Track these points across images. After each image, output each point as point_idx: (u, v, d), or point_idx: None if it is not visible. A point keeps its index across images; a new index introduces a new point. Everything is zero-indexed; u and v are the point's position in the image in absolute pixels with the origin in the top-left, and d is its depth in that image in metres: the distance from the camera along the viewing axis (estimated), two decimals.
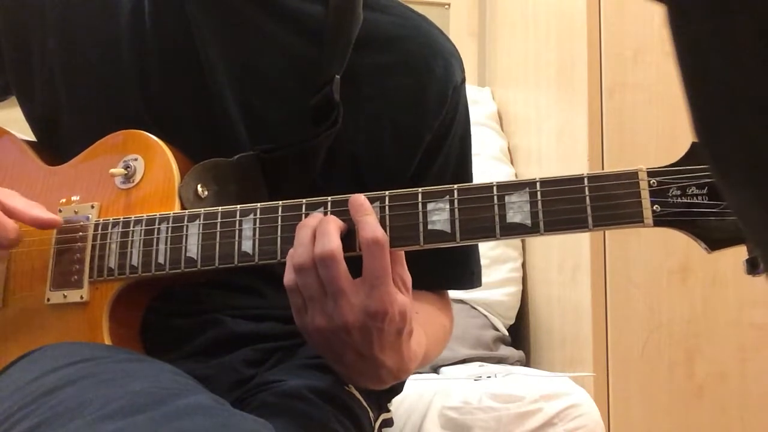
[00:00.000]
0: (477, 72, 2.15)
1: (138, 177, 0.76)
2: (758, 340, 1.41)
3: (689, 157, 0.62)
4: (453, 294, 1.67)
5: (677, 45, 0.28)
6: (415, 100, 0.81)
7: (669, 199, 0.61)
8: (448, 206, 0.64)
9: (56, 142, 0.85)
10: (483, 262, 1.65)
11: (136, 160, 0.77)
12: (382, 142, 0.80)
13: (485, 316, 1.67)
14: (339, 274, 0.62)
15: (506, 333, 1.68)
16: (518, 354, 1.62)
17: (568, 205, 0.62)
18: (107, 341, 0.71)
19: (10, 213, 0.73)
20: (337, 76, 0.76)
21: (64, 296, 0.75)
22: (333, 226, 0.63)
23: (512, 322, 1.72)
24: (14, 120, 0.94)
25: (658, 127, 1.42)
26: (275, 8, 0.80)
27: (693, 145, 0.61)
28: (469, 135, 0.89)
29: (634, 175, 0.61)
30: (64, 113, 0.83)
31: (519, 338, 1.72)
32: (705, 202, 0.60)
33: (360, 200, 0.65)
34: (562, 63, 1.62)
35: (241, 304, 0.80)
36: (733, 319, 1.41)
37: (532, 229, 0.62)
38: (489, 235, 0.64)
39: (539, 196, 0.62)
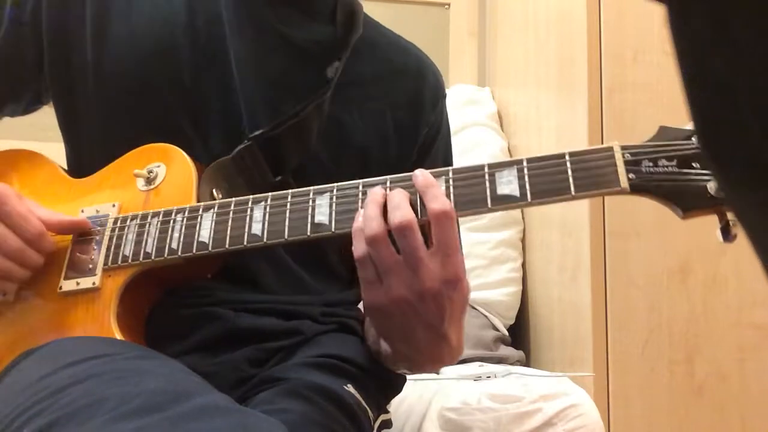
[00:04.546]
0: (477, 72, 2.15)
1: (159, 181, 0.81)
2: (758, 340, 1.41)
3: (657, 137, 0.69)
4: None
5: (677, 45, 0.28)
6: (413, 101, 0.93)
7: (642, 169, 0.67)
8: (443, 184, 0.70)
9: (86, 147, 0.88)
10: (483, 262, 1.68)
11: (159, 166, 0.81)
12: (387, 135, 0.90)
13: (485, 316, 1.67)
14: (418, 244, 0.65)
15: (506, 333, 1.68)
16: (518, 354, 1.62)
17: (553, 176, 0.68)
18: (114, 327, 0.72)
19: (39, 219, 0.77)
20: (337, 62, 0.86)
21: (77, 283, 0.76)
22: (404, 198, 0.67)
23: (512, 322, 1.72)
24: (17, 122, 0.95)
25: (657, 128, 1.42)
26: (297, 25, 0.89)
27: (660, 128, 0.70)
28: (451, 147, 1.00)
29: (609, 149, 0.69)
30: (97, 114, 0.86)
31: (519, 338, 1.72)
32: (675, 171, 0.67)
33: (424, 173, 0.69)
34: (562, 63, 1.62)
35: (243, 298, 0.81)
36: (733, 319, 1.41)
37: (521, 199, 0.68)
38: (481, 206, 0.68)
39: (526, 171, 0.68)
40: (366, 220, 0.67)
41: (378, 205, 0.67)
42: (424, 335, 0.69)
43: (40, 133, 1.10)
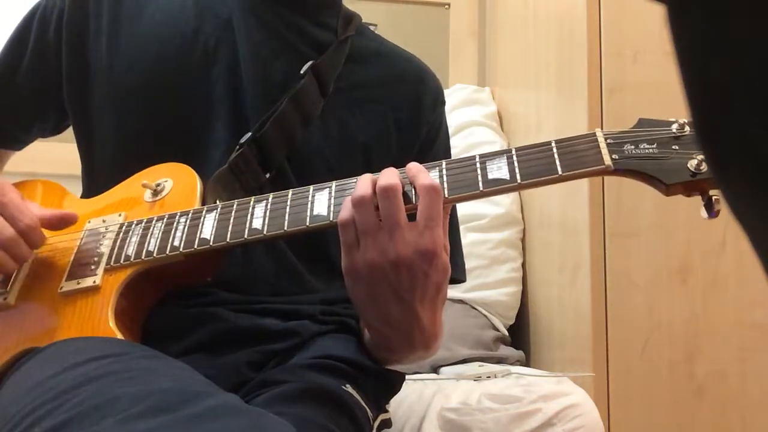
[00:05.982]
0: (477, 72, 2.15)
1: (165, 193, 0.83)
2: (758, 340, 1.41)
3: (637, 127, 0.73)
4: (453, 294, 1.67)
5: (677, 45, 0.28)
6: (414, 103, 0.97)
7: (625, 150, 0.70)
8: (437, 173, 0.73)
9: (100, 159, 0.90)
10: (483, 262, 1.68)
11: (166, 181, 0.83)
12: (389, 134, 0.94)
13: (485, 316, 1.67)
14: (398, 207, 0.68)
15: (506, 333, 1.68)
16: (518, 354, 1.62)
17: (540, 160, 0.72)
18: (111, 323, 0.72)
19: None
20: (311, 61, 0.90)
21: (78, 283, 0.77)
22: (394, 172, 0.71)
23: (512, 322, 1.72)
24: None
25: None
26: (300, 30, 0.93)
27: (640, 120, 0.73)
28: (450, 151, 1.04)
29: (592, 134, 0.72)
30: (110, 119, 0.88)
31: (519, 338, 1.71)
32: (655, 152, 0.70)
33: (416, 164, 0.73)
34: (562, 63, 1.62)
35: (243, 299, 0.82)
36: (733, 319, 1.41)
37: (511, 182, 0.70)
38: (473, 189, 0.71)
39: (515, 158, 0.72)
40: (356, 187, 0.70)
41: (369, 177, 0.71)
42: (395, 308, 0.70)
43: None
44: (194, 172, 0.83)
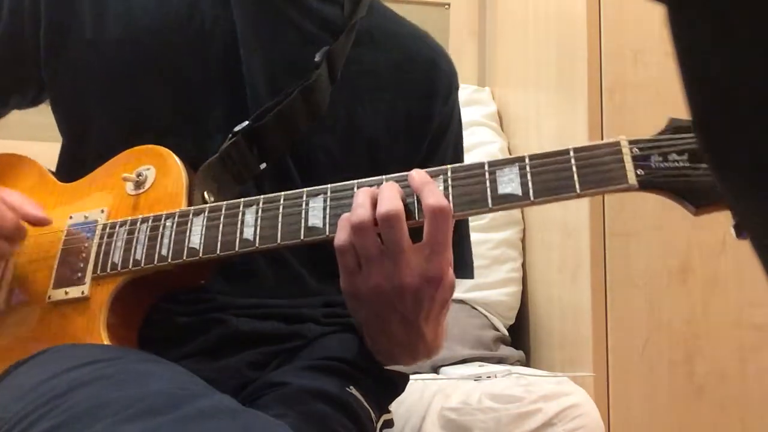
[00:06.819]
0: (477, 72, 2.15)
1: (148, 185, 0.78)
2: (758, 340, 1.41)
3: (667, 131, 0.66)
4: (453, 294, 1.66)
5: (677, 45, 0.28)
6: (427, 90, 0.90)
7: (652, 164, 0.64)
8: (442, 184, 0.67)
9: (84, 153, 0.86)
10: (483, 262, 1.68)
11: (148, 169, 0.79)
12: (397, 129, 0.88)
13: (485, 316, 1.67)
14: (402, 235, 0.64)
15: (506, 333, 1.68)
16: (518, 354, 1.62)
17: (556, 173, 0.65)
18: (104, 337, 0.71)
19: (11, 208, 0.75)
20: (326, 47, 0.83)
21: (66, 293, 0.75)
22: (395, 190, 0.66)
23: (512, 322, 1.72)
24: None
25: (658, 127, 1.41)
26: (303, 7, 0.87)
27: (670, 120, 0.66)
28: (462, 144, 0.97)
29: (616, 144, 0.65)
30: (97, 95, 0.84)
31: (519, 338, 1.71)
32: (686, 165, 0.63)
33: (420, 172, 0.68)
34: (562, 63, 1.62)
35: (244, 303, 0.81)
36: (733, 319, 1.41)
37: (523, 198, 0.65)
38: (481, 206, 0.66)
39: (528, 169, 0.65)
40: (354, 208, 0.66)
41: (368, 195, 0.66)
42: (400, 329, 0.68)
43: (41, 133, 1.10)
44: (177, 159, 0.78)
